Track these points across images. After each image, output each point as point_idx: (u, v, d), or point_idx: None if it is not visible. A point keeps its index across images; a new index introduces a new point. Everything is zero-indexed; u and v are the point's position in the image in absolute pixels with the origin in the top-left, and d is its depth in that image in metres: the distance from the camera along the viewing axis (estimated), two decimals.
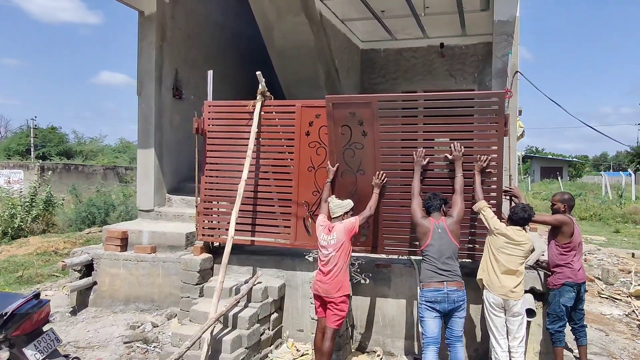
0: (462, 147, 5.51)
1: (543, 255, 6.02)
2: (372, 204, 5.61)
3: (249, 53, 11.21)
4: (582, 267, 5.44)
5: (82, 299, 7.37)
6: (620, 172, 42.72)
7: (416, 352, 6.07)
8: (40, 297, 4.03)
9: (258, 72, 6.49)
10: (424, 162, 5.63)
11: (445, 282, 4.96)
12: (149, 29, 8.19)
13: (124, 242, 7.39)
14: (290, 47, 9.31)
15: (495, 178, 5.57)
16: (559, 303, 5.34)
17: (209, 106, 6.72)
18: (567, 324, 5.47)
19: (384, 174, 5.78)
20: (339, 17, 10.19)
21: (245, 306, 5.97)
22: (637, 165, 56.06)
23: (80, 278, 7.41)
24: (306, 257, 6.54)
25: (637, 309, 8.15)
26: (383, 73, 11.27)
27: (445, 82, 10.84)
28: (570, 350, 5.81)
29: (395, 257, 6.36)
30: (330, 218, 5.52)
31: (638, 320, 7.64)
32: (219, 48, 10.15)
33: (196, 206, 7.00)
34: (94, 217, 14.84)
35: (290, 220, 6.38)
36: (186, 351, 4.91)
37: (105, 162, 36.02)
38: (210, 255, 6.70)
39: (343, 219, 5.40)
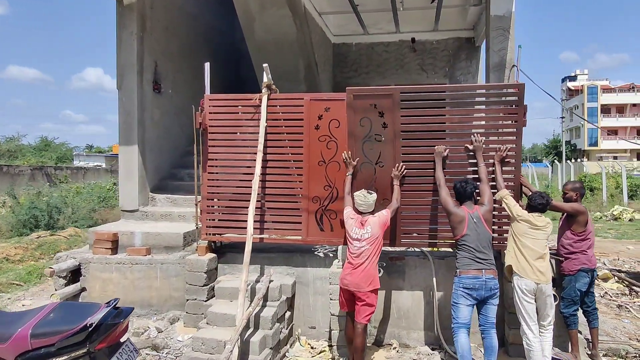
0: (482, 137, 5.63)
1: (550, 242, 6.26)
2: (397, 196, 5.62)
3: (222, 47, 10.91)
4: (593, 253, 5.70)
5: None
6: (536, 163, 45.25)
7: (432, 343, 6.14)
8: (118, 306, 3.70)
9: (265, 65, 6.31)
10: (445, 154, 5.70)
11: (483, 270, 5.03)
12: (129, 19, 7.74)
13: (114, 245, 6.96)
14: (272, 40, 9.11)
15: (514, 167, 5.73)
16: (575, 288, 5.56)
17: (210, 100, 6.46)
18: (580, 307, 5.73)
19: (404, 166, 5.80)
20: (317, 10, 10.10)
21: (264, 306, 5.79)
22: (554, 158, 59.72)
23: (66, 285, 6.92)
24: (315, 252, 6.46)
25: (609, 291, 8.66)
26: (355, 67, 11.30)
27: (417, 76, 11.02)
28: (580, 332, 6.09)
29: (409, 249, 6.41)
30: (357, 211, 5.46)
31: (614, 300, 8.13)
32: (194, 41, 9.78)
33: (196, 204, 6.72)
34: (37, 220, 13.86)
35: (301, 215, 6.25)
36: (230, 355, 4.69)
37: (32, 162, 33.84)
38: (214, 255, 6.45)
39: (373, 213, 5.36)
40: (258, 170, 5.98)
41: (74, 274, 6.95)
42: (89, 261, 6.84)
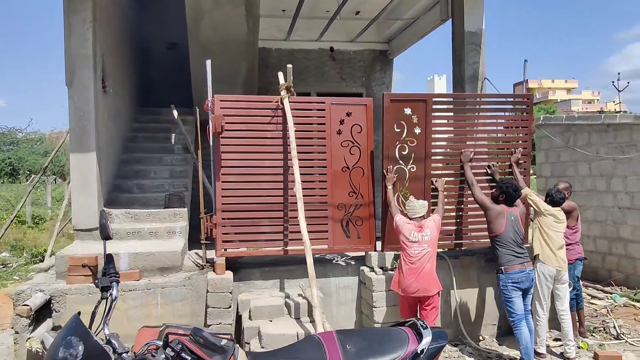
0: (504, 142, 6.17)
1: None
2: (442, 202, 5.80)
3: (141, 50, 9.88)
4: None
5: (34, 354, 5.56)
6: None
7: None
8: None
9: (289, 65, 5.96)
10: (471, 157, 6.07)
11: (525, 264, 5.47)
12: (81, 3, 6.56)
13: (95, 271, 5.83)
14: (219, 40, 8.50)
15: (525, 168, 6.32)
16: (574, 275, 6.36)
17: (221, 101, 5.87)
18: None
19: (445, 179, 6.05)
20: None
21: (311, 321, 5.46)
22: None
23: (31, 324, 5.58)
24: (334, 261, 6.29)
25: None
26: (276, 73, 11.01)
27: (336, 84, 11.23)
28: None
29: None
30: (408, 217, 5.48)
31: None
32: (127, 37, 8.67)
33: (200, 217, 6.01)
34: None
35: (327, 224, 6.02)
36: None
37: None
38: (231, 272, 5.85)
39: (425, 217, 5.44)
40: (297, 177, 5.60)
41: (37, 312, 5.65)
42: (64, 293, 5.62)
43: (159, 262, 6.01)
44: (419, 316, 5.35)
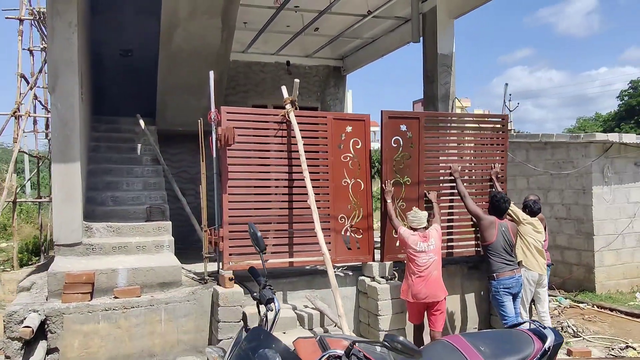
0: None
1: None
2: (439, 210, 6.15)
3: (94, 56, 9.42)
4: None
5: None
6: None
7: None
8: None
9: (296, 80, 6.06)
10: (459, 170, 6.50)
11: (514, 270, 5.97)
12: (66, 5, 6.22)
13: (92, 288, 5.53)
14: (190, 49, 8.35)
15: (502, 182, 6.86)
16: (548, 276, 7.00)
17: (227, 112, 5.85)
18: None
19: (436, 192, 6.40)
20: None
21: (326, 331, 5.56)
22: None
23: (22, 349, 5.17)
24: (336, 272, 6.42)
25: None
26: (233, 85, 10.93)
27: None
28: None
29: None
30: (411, 228, 5.76)
31: None
32: (89, 44, 8.26)
33: (204, 230, 5.91)
34: None
35: (330, 235, 6.16)
36: None
37: None
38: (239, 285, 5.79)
39: (427, 227, 5.75)
40: (310, 190, 5.70)
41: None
42: (61, 312, 5.27)
43: (159, 277, 5.82)
44: (427, 321, 5.66)
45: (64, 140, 6.21)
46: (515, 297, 6.01)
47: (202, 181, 6.11)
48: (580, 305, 8.95)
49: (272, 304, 2.99)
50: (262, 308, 3.05)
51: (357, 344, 2.51)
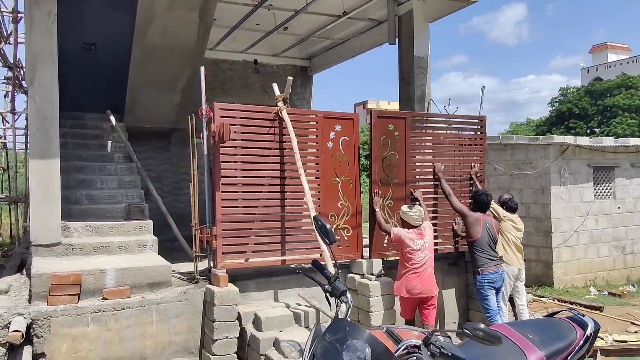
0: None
1: None
2: (426, 208, 6.31)
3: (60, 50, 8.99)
4: None
5: None
6: None
7: None
8: None
9: (290, 77, 6.06)
10: (442, 169, 6.69)
11: (498, 265, 6.21)
12: None
13: (79, 289, 5.29)
14: (165, 44, 8.13)
15: (481, 181, 7.11)
16: None
17: (221, 109, 5.76)
18: None
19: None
20: None
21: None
22: None
23: (5, 355, 4.89)
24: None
25: None
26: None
27: (260, 97, 11.20)
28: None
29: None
30: (407, 226, 5.87)
31: None
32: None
33: (197, 229, 5.79)
34: None
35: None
36: None
37: None
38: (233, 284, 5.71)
39: (421, 224, 5.90)
40: (307, 188, 5.70)
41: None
42: (48, 315, 5.01)
43: (149, 277, 5.65)
44: (420, 315, 5.79)
45: (43, 135, 5.91)
46: (497, 291, 6.26)
47: (194, 179, 5.97)
48: (542, 299, 9.41)
49: (344, 296, 2.99)
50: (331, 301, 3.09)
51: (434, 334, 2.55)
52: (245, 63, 11.31)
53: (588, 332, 3.21)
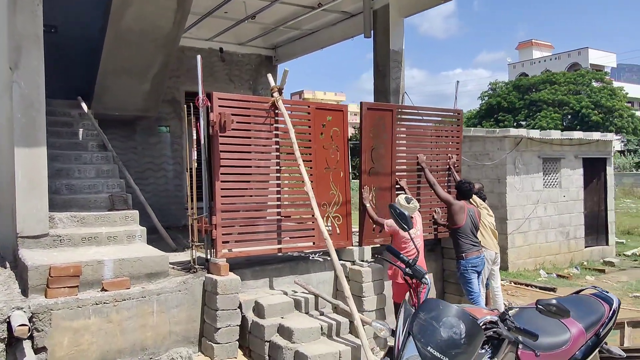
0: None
1: None
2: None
3: None
4: None
5: None
6: None
7: None
8: None
9: (286, 69, 6.10)
10: (425, 161, 7.00)
11: (479, 250, 6.61)
12: None
13: (78, 282, 5.16)
14: (139, 30, 7.92)
15: (458, 171, 7.49)
16: None
17: (219, 99, 5.76)
18: None
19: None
20: None
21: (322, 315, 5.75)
22: None
23: (4, 351, 4.73)
24: (311, 258, 6.61)
25: None
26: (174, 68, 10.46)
27: (225, 85, 11.08)
28: None
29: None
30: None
31: None
32: None
33: (195, 219, 5.77)
34: None
35: (313, 222, 6.31)
36: None
37: None
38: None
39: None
40: (306, 178, 5.81)
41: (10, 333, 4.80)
42: (49, 309, 4.87)
43: (146, 267, 5.59)
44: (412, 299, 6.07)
45: (28, 122, 5.69)
46: (479, 275, 6.66)
47: (188, 167, 5.92)
48: (501, 282, 10.00)
49: (425, 278, 3.15)
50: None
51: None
52: (211, 51, 11.16)
53: (614, 306, 3.57)
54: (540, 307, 2.64)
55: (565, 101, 45.88)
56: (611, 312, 3.52)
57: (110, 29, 7.80)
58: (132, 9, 7.65)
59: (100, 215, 6.35)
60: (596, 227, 12.73)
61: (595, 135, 12.58)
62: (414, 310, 2.90)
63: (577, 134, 12.08)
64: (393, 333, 2.91)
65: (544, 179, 11.47)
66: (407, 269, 3.34)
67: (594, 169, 12.47)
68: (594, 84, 46.67)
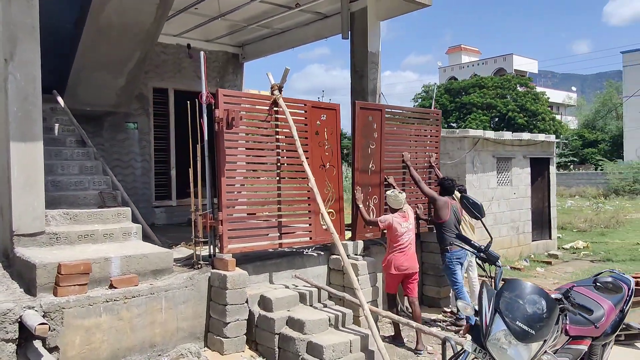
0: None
1: None
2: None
3: None
4: None
5: None
6: None
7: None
8: None
9: (287, 68, 6.22)
10: (410, 159, 7.35)
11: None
12: None
13: (87, 279, 5.05)
14: (119, 24, 7.72)
15: (438, 169, 7.88)
16: None
17: (224, 95, 5.82)
18: None
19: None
20: None
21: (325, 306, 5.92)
22: None
23: (16, 352, 4.58)
24: (305, 253, 6.78)
25: None
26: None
27: (192, 82, 10.87)
28: None
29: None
30: (391, 211, 6.43)
31: None
32: None
33: (199, 215, 5.78)
34: None
35: (310, 218, 6.49)
36: None
37: None
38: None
39: (403, 207, 6.48)
40: (310, 174, 5.96)
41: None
42: (60, 307, 4.75)
43: (152, 264, 5.56)
44: (403, 289, 6.41)
45: (24, 116, 5.50)
46: (462, 266, 7.07)
47: (195, 164, 5.91)
48: None
49: (498, 262, 3.39)
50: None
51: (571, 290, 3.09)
52: (178, 47, 11.00)
53: (632, 286, 4.00)
54: (599, 284, 2.98)
55: (493, 104, 48.22)
56: (630, 291, 3.95)
57: (89, 22, 7.59)
58: (113, 2, 7.48)
59: (92, 213, 6.21)
60: (541, 223, 13.65)
61: (541, 137, 13.49)
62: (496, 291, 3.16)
63: (526, 135, 12.92)
64: (476, 313, 3.15)
65: (497, 177, 12.18)
66: (480, 254, 3.59)
67: (539, 168, 13.38)
68: (519, 88, 49.39)
